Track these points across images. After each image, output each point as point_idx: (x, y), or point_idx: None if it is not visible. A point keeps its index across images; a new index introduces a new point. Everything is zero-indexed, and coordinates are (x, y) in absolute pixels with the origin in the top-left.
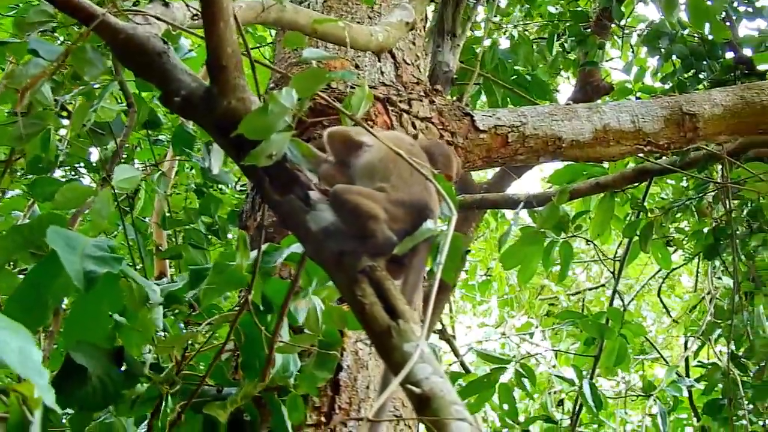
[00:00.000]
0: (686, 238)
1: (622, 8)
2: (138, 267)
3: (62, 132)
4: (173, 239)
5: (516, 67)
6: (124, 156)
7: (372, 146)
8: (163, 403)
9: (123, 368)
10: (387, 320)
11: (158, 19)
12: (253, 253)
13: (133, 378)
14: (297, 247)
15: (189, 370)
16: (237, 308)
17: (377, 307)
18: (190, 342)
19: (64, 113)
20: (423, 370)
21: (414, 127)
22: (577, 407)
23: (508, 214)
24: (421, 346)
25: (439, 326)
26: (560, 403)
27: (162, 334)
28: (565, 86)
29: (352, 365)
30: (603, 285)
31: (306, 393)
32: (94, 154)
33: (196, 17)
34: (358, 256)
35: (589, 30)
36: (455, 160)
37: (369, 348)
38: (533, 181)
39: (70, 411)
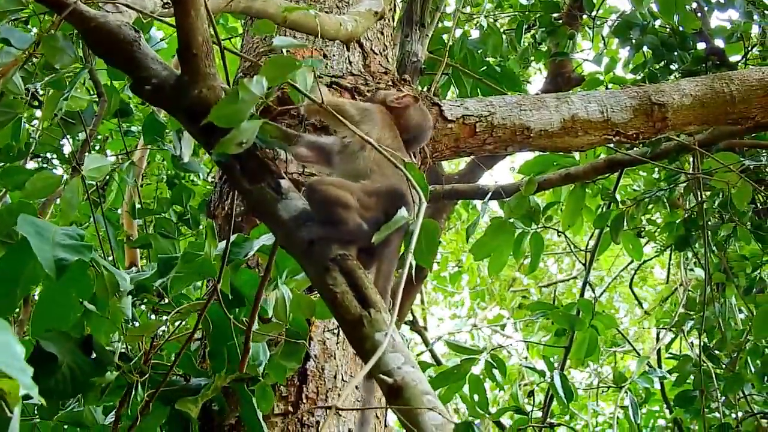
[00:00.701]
0: (658, 230)
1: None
2: (109, 258)
3: (34, 122)
4: (144, 229)
5: (487, 58)
6: (96, 147)
7: (352, 140)
8: (132, 392)
9: (92, 357)
10: (359, 309)
11: (129, 7)
12: (222, 243)
13: (102, 366)
14: (267, 239)
15: (157, 359)
16: (206, 298)
17: (349, 296)
18: (159, 331)
19: (35, 102)
20: (395, 360)
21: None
22: (548, 398)
23: (479, 205)
24: (392, 335)
25: (410, 317)
26: (530, 394)
27: (131, 323)
28: (538, 78)
29: (320, 355)
30: (575, 277)
31: (274, 382)
32: (68, 146)
33: (167, 5)
34: (329, 244)
35: (560, 21)
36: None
37: (337, 338)
38: (505, 172)
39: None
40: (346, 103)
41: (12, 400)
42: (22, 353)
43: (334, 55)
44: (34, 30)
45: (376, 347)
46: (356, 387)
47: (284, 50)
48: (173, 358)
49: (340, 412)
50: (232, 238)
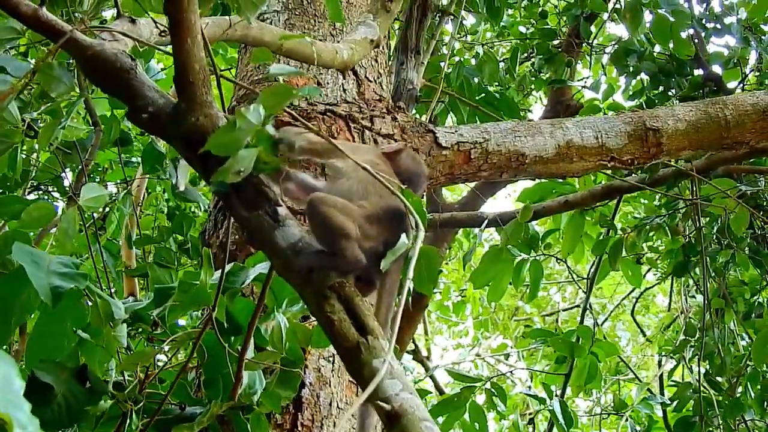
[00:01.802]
0: (659, 258)
1: (593, 27)
2: (113, 289)
3: (31, 153)
4: (143, 258)
5: (485, 86)
6: (96, 179)
7: (347, 171)
8: (127, 421)
9: (87, 386)
10: (356, 336)
11: (125, 35)
12: (218, 273)
13: (96, 396)
14: (263, 267)
15: (152, 389)
16: (201, 326)
17: (346, 323)
18: (154, 360)
19: (31, 132)
20: (393, 387)
21: (376, 143)
22: (550, 426)
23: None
24: (390, 362)
25: (411, 347)
26: (531, 421)
27: (126, 351)
28: (538, 107)
29: (315, 382)
30: (578, 306)
31: (269, 411)
32: (68, 177)
33: (163, 34)
34: (327, 272)
35: (559, 48)
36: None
37: (332, 365)
38: (506, 200)
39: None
40: (337, 141)
41: (13, 430)
42: (22, 389)
43: (328, 83)
44: (32, 61)
45: (374, 374)
46: (352, 415)
47: (280, 78)
48: (169, 387)
49: None
50: (228, 267)
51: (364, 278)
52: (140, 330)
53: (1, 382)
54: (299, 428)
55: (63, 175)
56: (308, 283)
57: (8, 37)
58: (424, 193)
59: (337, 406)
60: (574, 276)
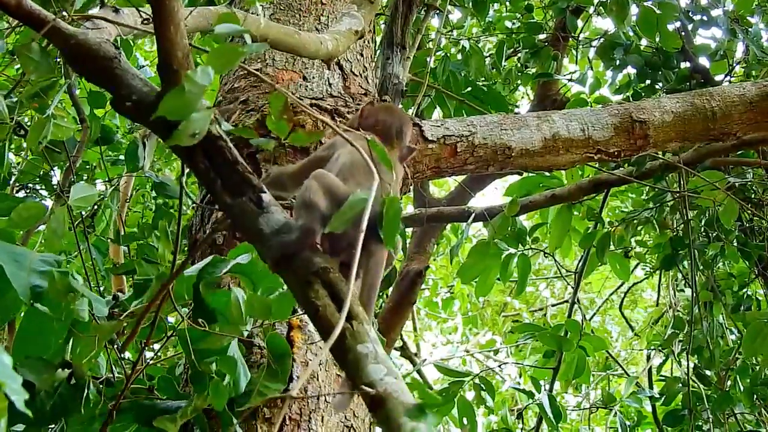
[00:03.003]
0: (648, 252)
1: (579, 21)
2: (101, 287)
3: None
4: (131, 256)
5: (472, 80)
6: (85, 177)
7: (337, 158)
8: (113, 417)
9: (71, 382)
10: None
11: (108, 21)
12: (197, 265)
13: (80, 391)
14: (242, 258)
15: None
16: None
17: (331, 308)
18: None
19: (21, 131)
20: (377, 371)
21: None
22: (538, 420)
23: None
24: (374, 346)
25: (399, 343)
26: (519, 415)
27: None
28: (525, 102)
29: (302, 376)
30: (566, 301)
31: (257, 404)
32: (56, 176)
33: (146, 22)
34: (285, 242)
35: (546, 43)
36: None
37: (319, 359)
38: (495, 195)
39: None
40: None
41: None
42: (10, 363)
43: (313, 77)
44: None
45: (359, 359)
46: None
47: (261, 70)
48: (157, 383)
49: None
50: (209, 259)
51: (348, 263)
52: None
53: None
54: (287, 422)
55: (51, 172)
56: (292, 268)
57: None
58: (411, 186)
59: (325, 400)
60: (562, 270)
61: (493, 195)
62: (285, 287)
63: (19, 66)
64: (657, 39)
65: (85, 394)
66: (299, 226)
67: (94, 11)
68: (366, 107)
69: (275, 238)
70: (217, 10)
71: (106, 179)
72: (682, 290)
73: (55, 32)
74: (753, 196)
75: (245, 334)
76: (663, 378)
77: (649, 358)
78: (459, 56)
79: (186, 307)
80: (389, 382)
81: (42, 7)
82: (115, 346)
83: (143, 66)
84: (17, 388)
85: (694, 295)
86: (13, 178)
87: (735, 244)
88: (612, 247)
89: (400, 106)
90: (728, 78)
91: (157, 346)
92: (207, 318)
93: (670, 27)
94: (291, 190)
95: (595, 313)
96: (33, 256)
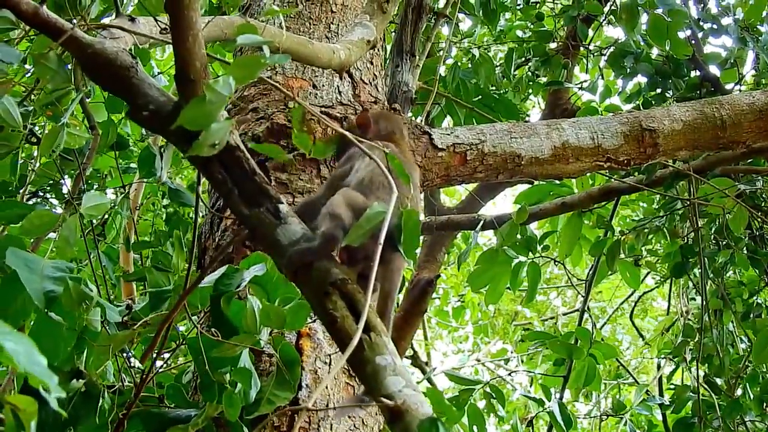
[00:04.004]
0: (659, 260)
1: (590, 30)
2: (112, 295)
3: (33, 161)
4: (141, 263)
5: (482, 88)
6: (95, 185)
7: (356, 171)
8: (124, 425)
9: (83, 390)
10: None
11: (127, 31)
12: (212, 275)
13: (92, 399)
14: (257, 270)
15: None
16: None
17: (349, 320)
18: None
19: (33, 139)
20: (395, 383)
21: None
22: (549, 429)
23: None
24: (393, 358)
25: (410, 352)
26: (529, 423)
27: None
28: (536, 111)
29: (312, 384)
30: (578, 310)
31: (266, 413)
32: (67, 184)
33: (164, 32)
34: (305, 250)
35: (556, 51)
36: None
37: (328, 367)
38: (506, 203)
39: None
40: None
41: (27, 416)
42: (45, 362)
43: (323, 85)
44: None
45: (377, 371)
46: (349, 416)
47: (271, 78)
48: (165, 391)
49: None
50: (223, 269)
51: (366, 274)
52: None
53: (28, 357)
54: (297, 430)
55: (62, 180)
56: (310, 280)
57: (2, 27)
58: (422, 194)
59: (334, 408)
60: (573, 279)
61: (503, 204)
62: (299, 297)
63: (31, 74)
64: (667, 47)
65: (99, 403)
66: (321, 233)
67: (110, 20)
68: (367, 116)
69: (293, 247)
70: (231, 20)
71: (120, 186)
72: (693, 299)
73: (71, 41)
74: (763, 204)
75: (262, 344)
76: (673, 387)
77: (659, 366)
78: (469, 65)
79: (197, 316)
80: (408, 394)
81: (58, 15)
82: (129, 355)
83: (158, 74)
84: (55, 386)
85: (704, 303)
86: (27, 186)
87: (745, 251)
88: (622, 256)
89: (410, 114)
90: (738, 86)
91: (167, 355)
92: (227, 330)
93: (681, 35)
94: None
95: (606, 322)
96: (45, 262)
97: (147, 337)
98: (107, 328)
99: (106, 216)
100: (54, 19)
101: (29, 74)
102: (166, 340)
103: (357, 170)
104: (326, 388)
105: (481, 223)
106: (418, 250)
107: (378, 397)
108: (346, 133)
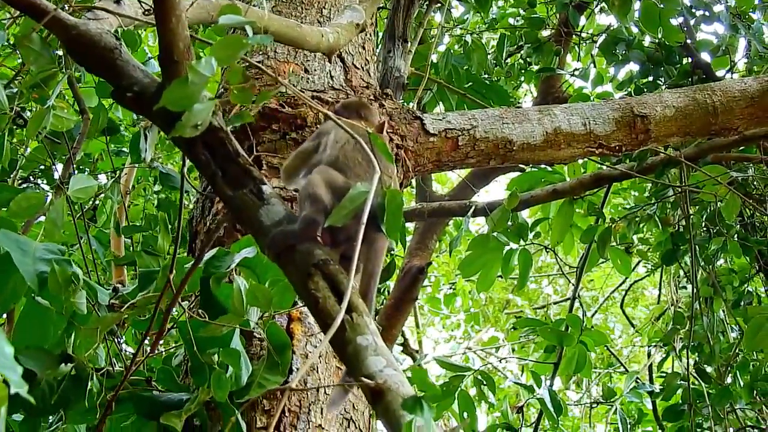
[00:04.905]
0: (649, 249)
1: (582, 17)
2: (102, 279)
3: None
4: (132, 247)
5: (474, 74)
6: (86, 170)
7: (324, 149)
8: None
9: (72, 373)
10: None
11: (109, 12)
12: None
13: (81, 382)
14: (248, 252)
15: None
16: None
17: (330, 300)
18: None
19: (21, 121)
20: (377, 363)
21: None
22: (539, 415)
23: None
24: (374, 338)
25: (401, 339)
26: (519, 410)
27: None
28: (528, 99)
29: (302, 368)
30: (569, 298)
31: (256, 396)
32: (58, 168)
33: (147, 13)
34: (287, 234)
35: (549, 38)
36: (375, 111)
37: (319, 350)
38: (499, 191)
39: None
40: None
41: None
42: (11, 353)
43: (315, 70)
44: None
45: (358, 351)
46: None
47: (263, 62)
48: (156, 375)
49: (322, 425)
50: (213, 251)
51: (348, 255)
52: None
53: None
54: (286, 414)
55: (53, 166)
56: (292, 260)
57: None
58: (413, 179)
59: (325, 392)
60: (564, 267)
61: (496, 191)
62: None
63: (19, 57)
64: (659, 34)
65: (87, 386)
66: (302, 217)
67: (96, 2)
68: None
69: (276, 229)
70: (218, 2)
71: (111, 170)
72: (684, 287)
73: (55, 22)
74: (754, 191)
75: (251, 324)
76: (663, 375)
77: (649, 354)
78: (461, 51)
79: (187, 299)
80: (389, 373)
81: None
82: (120, 341)
83: (149, 59)
84: (18, 380)
85: (695, 290)
86: (17, 169)
87: (735, 239)
88: (613, 244)
89: (401, 100)
90: (730, 73)
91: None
92: (216, 312)
93: (673, 22)
94: (289, 185)
95: (597, 310)
96: (37, 244)
97: (136, 320)
98: (97, 310)
99: (97, 201)
100: (38, 0)
101: (19, 60)
102: (153, 322)
103: (326, 148)
104: (317, 371)
105: (473, 209)
106: (407, 236)
107: (359, 377)
108: (333, 116)
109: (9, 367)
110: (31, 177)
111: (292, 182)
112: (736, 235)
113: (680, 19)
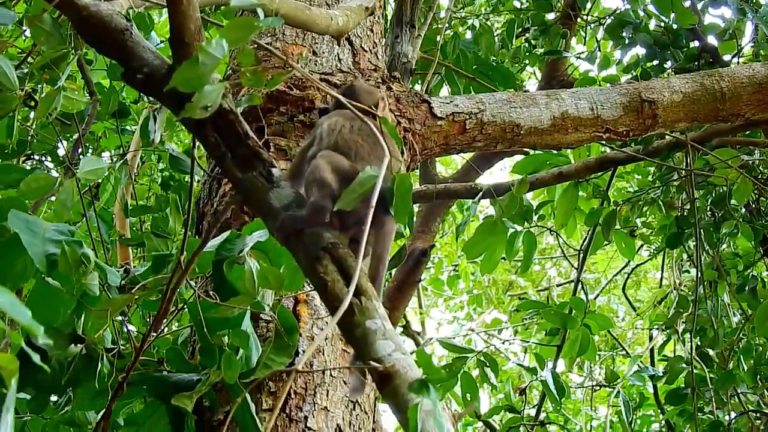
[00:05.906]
0: (653, 233)
1: (589, 1)
2: (107, 259)
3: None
4: (137, 228)
5: (481, 57)
6: (90, 148)
7: (321, 140)
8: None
9: (83, 352)
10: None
11: None
12: (214, 240)
13: (91, 362)
14: (260, 236)
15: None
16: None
17: (339, 284)
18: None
19: (31, 102)
20: (385, 347)
21: None
22: (542, 397)
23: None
24: (383, 322)
25: (403, 321)
26: (522, 392)
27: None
28: (532, 82)
29: (308, 350)
30: (572, 280)
31: (262, 378)
32: (63, 148)
33: None
34: (295, 219)
35: (555, 21)
36: (376, 93)
37: (325, 333)
38: (502, 172)
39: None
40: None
41: (8, 374)
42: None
43: (323, 52)
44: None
45: (367, 335)
46: (344, 382)
47: (271, 44)
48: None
49: (327, 407)
50: (225, 234)
51: (357, 239)
52: (137, 297)
53: (8, 300)
54: (292, 396)
55: (58, 144)
56: (301, 244)
57: None
58: (419, 162)
59: (330, 374)
60: (567, 250)
61: (500, 173)
62: None
63: (29, 37)
64: (672, 16)
65: (98, 367)
66: (310, 203)
67: None
68: (355, 86)
69: (285, 212)
70: None
71: (117, 147)
72: (687, 271)
73: (66, 3)
74: (760, 175)
75: (265, 306)
76: (666, 358)
77: (651, 338)
78: (468, 35)
79: (195, 281)
80: (397, 358)
81: None
82: (126, 319)
83: (160, 44)
84: (29, 320)
85: (699, 274)
86: (25, 150)
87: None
88: (618, 226)
89: (409, 84)
90: (737, 58)
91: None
92: (228, 295)
93: (683, 4)
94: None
95: (600, 293)
96: (46, 225)
97: (146, 301)
98: (108, 291)
99: (99, 180)
100: None
101: (26, 39)
102: (164, 303)
103: (321, 138)
104: (323, 354)
105: (481, 193)
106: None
107: (367, 361)
108: (342, 98)
109: (23, 313)
110: (35, 156)
111: (297, 182)
112: (741, 219)
113: (687, 3)
